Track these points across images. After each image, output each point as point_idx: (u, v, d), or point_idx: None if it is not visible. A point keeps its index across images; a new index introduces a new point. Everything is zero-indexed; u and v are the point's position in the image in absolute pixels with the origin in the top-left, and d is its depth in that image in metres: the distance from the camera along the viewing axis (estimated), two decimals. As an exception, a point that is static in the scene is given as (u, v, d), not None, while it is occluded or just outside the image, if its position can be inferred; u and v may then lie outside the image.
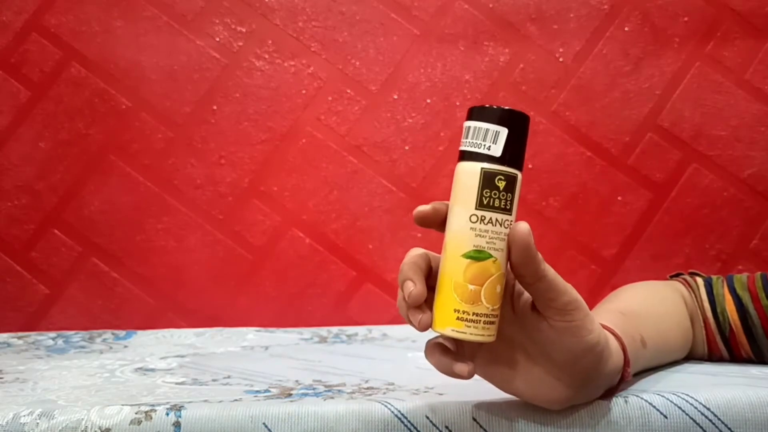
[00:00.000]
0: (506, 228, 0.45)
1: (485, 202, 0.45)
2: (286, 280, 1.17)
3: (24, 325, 1.14)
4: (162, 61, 1.18)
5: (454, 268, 0.46)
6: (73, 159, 1.17)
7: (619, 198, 1.19)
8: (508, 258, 0.46)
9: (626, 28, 1.20)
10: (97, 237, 1.16)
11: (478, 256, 0.45)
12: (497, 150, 0.45)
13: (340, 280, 1.17)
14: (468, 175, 0.46)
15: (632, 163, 1.19)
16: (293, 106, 1.18)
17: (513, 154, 0.45)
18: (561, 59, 1.20)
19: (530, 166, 1.18)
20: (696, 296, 0.72)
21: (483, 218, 0.45)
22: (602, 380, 0.50)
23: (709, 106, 1.19)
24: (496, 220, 0.45)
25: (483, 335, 0.46)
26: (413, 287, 0.46)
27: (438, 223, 0.48)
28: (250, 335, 1.00)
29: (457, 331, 0.45)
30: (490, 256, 0.45)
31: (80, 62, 1.17)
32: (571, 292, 0.47)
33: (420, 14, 1.19)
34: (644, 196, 1.19)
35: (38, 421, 0.50)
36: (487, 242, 0.45)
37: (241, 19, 1.19)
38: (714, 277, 0.74)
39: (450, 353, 0.48)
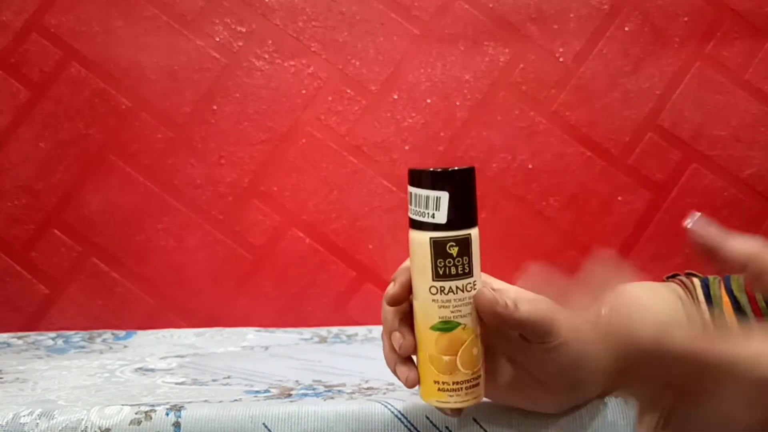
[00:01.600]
0: (470, 290, 0.44)
1: (441, 273, 0.43)
2: (286, 280, 1.17)
3: (24, 325, 1.14)
4: (162, 61, 1.18)
5: (426, 341, 0.45)
6: (73, 159, 1.17)
7: (619, 198, 1.19)
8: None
9: (626, 28, 1.20)
10: (96, 237, 1.16)
11: (445, 327, 0.44)
12: (442, 216, 0.43)
13: (340, 280, 1.17)
14: (419, 246, 0.44)
15: (632, 163, 1.19)
16: (293, 106, 1.18)
17: (461, 215, 0.43)
18: (561, 59, 1.20)
19: (530, 166, 1.18)
20: (693, 298, 0.72)
21: (443, 289, 0.43)
22: (597, 379, 0.50)
23: (709, 106, 1.19)
24: (457, 287, 0.43)
25: (467, 400, 0.45)
26: (402, 339, 0.45)
27: (408, 295, 0.47)
28: (250, 335, 1.00)
29: (441, 402, 0.45)
30: (458, 324, 0.44)
31: (80, 62, 1.17)
32: (548, 316, 0.45)
33: (420, 14, 1.19)
34: (644, 196, 1.19)
35: (38, 421, 0.50)
36: (452, 311, 0.44)
37: (241, 19, 1.19)
38: (711, 278, 0.74)
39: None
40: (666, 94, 1.19)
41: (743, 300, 0.69)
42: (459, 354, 0.44)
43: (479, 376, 0.45)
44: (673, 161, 1.19)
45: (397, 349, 0.45)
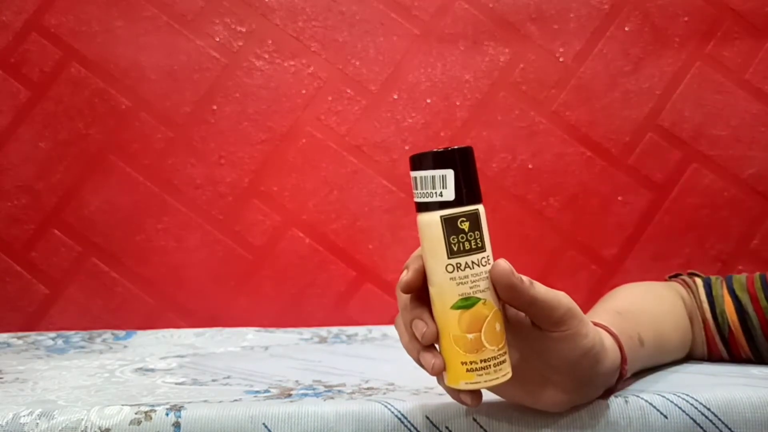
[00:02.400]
0: (485, 265, 0.44)
1: (456, 249, 0.43)
2: (286, 280, 1.17)
3: (24, 325, 1.14)
4: (162, 60, 1.18)
5: (448, 322, 0.44)
6: (73, 159, 1.17)
7: (620, 198, 1.19)
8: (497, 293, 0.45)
9: (626, 28, 1.20)
10: (96, 237, 1.16)
11: (466, 304, 0.44)
12: (449, 194, 0.43)
13: (340, 280, 1.17)
14: (430, 227, 0.44)
15: (632, 163, 1.19)
16: (293, 106, 1.18)
17: (467, 191, 0.44)
18: (561, 59, 1.19)
19: (530, 166, 1.18)
20: (695, 297, 0.72)
21: (459, 265, 0.44)
22: (600, 380, 0.50)
23: (709, 106, 1.19)
24: (473, 262, 0.44)
25: (498, 378, 0.44)
26: (426, 327, 0.45)
27: (423, 282, 0.46)
28: (250, 335, 1.00)
29: (471, 383, 0.44)
30: (479, 299, 0.44)
31: (80, 62, 1.17)
32: (563, 302, 0.46)
33: (420, 14, 1.19)
34: (644, 196, 1.18)
35: (38, 421, 0.50)
36: (471, 287, 0.44)
37: (241, 19, 1.19)
38: (713, 278, 0.74)
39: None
40: (666, 94, 1.19)
41: (745, 299, 0.69)
42: (483, 330, 0.44)
43: (505, 352, 0.45)
44: (673, 161, 1.19)
45: (419, 337, 0.45)
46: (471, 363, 0.44)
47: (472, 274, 0.44)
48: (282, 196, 1.18)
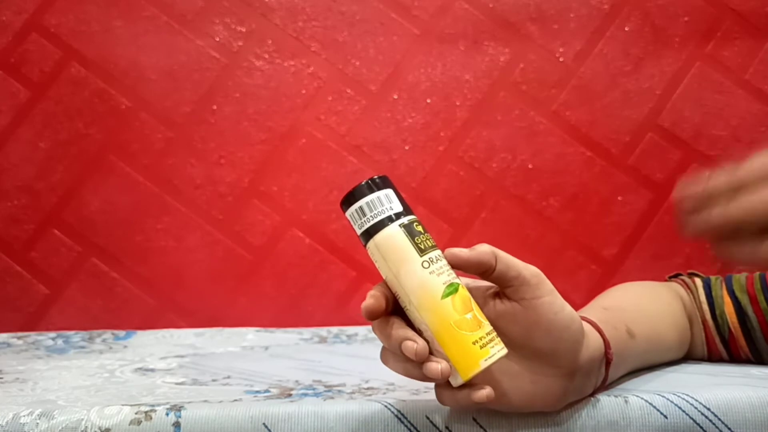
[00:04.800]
0: (443, 258, 0.48)
1: (422, 248, 0.47)
2: (286, 280, 1.17)
3: (24, 325, 1.14)
4: (161, 60, 1.18)
5: (445, 312, 0.46)
6: (73, 159, 1.17)
7: (620, 198, 1.19)
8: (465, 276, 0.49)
9: (626, 28, 1.20)
10: (96, 237, 1.16)
11: (451, 290, 0.47)
12: (398, 206, 0.49)
13: (340, 280, 1.17)
14: (393, 238, 0.48)
15: (632, 163, 1.19)
16: (293, 106, 1.18)
17: (405, 203, 0.49)
18: (561, 59, 1.19)
19: (530, 166, 1.18)
20: (695, 298, 0.72)
21: (431, 260, 0.47)
22: (587, 366, 0.50)
23: (709, 106, 1.19)
24: (436, 257, 0.47)
25: (502, 347, 0.46)
26: (415, 345, 0.45)
27: (387, 308, 0.47)
28: (250, 335, 1.00)
29: (489, 358, 0.46)
30: (457, 284, 0.47)
31: (80, 62, 1.17)
32: (530, 266, 0.48)
33: (420, 14, 1.19)
34: (644, 196, 1.18)
35: (38, 421, 0.50)
36: (447, 275, 0.47)
37: (241, 19, 1.19)
38: (713, 278, 0.74)
39: (459, 387, 0.47)
40: (666, 94, 1.19)
41: (744, 300, 0.69)
42: (473, 308, 0.47)
43: (491, 327, 0.48)
44: (673, 161, 1.19)
45: (413, 355, 0.45)
46: (480, 339, 0.46)
47: (441, 265, 0.47)
48: (282, 196, 1.18)
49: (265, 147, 1.18)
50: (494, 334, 0.46)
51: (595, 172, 1.19)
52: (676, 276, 0.78)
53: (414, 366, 0.46)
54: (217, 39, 1.18)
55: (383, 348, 0.49)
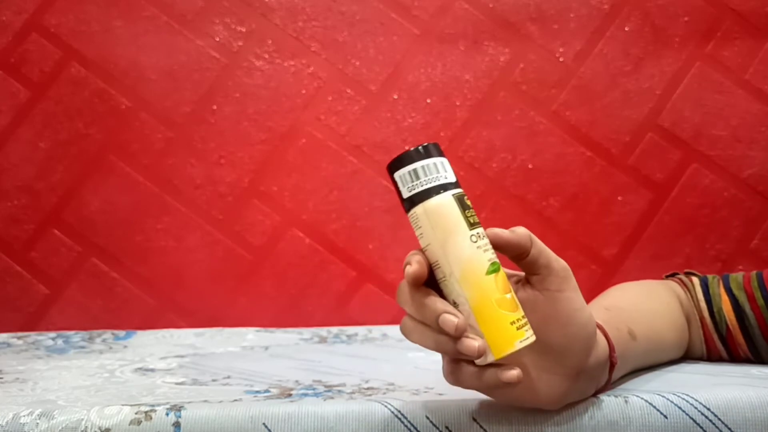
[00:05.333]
0: (486, 237, 0.47)
1: (471, 222, 0.46)
2: (286, 280, 1.17)
3: (24, 325, 1.14)
4: (161, 60, 1.18)
5: (488, 289, 0.46)
6: (73, 159, 1.17)
7: (619, 198, 1.19)
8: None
9: (626, 28, 1.20)
10: (96, 237, 1.16)
11: (495, 267, 0.46)
12: (451, 176, 0.47)
13: (340, 280, 1.17)
14: (444, 207, 0.46)
15: (632, 163, 1.19)
16: (293, 105, 1.18)
17: (455, 176, 0.48)
18: (561, 59, 1.19)
19: (530, 166, 1.18)
20: (692, 296, 0.72)
21: (479, 234, 0.46)
22: (592, 369, 0.50)
23: (709, 106, 1.19)
24: (482, 234, 0.47)
25: (533, 333, 0.46)
26: (456, 319, 0.44)
27: (428, 275, 0.47)
28: (250, 335, 1.00)
29: (524, 340, 0.45)
30: (498, 263, 0.46)
31: (80, 62, 1.17)
32: (560, 260, 0.49)
33: (420, 14, 1.19)
34: (644, 196, 1.18)
35: (38, 421, 0.50)
36: (492, 254, 0.46)
37: (241, 19, 1.19)
38: (710, 277, 0.74)
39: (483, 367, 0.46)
40: (666, 94, 1.19)
41: (742, 297, 0.69)
42: (511, 290, 0.46)
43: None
44: (673, 161, 1.19)
45: (452, 330, 0.44)
46: (518, 320, 0.46)
47: (486, 243, 0.46)
48: (282, 196, 1.18)
49: (265, 147, 1.18)
50: (526, 319, 0.46)
51: (595, 172, 1.19)
52: (673, 275, 0.78)
53: (448, 340, 0.45)
54: (217, 39, 1.18)
55: (407, 319, 0.47)
